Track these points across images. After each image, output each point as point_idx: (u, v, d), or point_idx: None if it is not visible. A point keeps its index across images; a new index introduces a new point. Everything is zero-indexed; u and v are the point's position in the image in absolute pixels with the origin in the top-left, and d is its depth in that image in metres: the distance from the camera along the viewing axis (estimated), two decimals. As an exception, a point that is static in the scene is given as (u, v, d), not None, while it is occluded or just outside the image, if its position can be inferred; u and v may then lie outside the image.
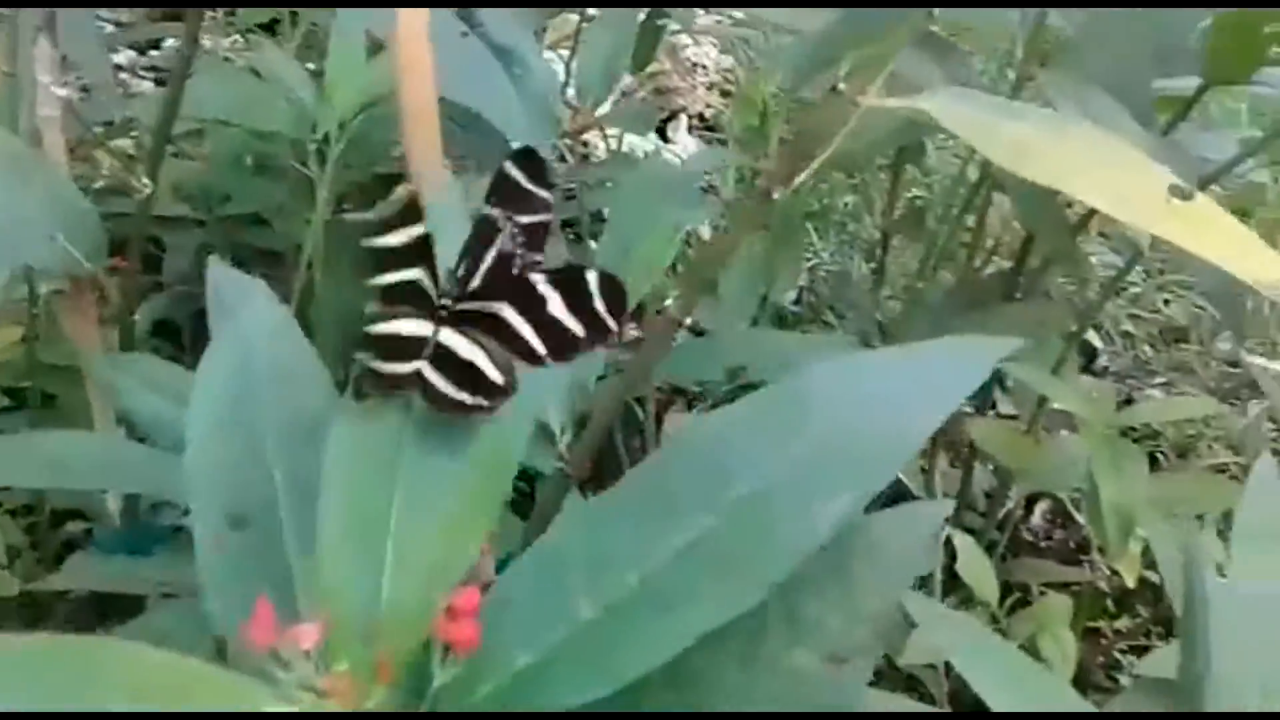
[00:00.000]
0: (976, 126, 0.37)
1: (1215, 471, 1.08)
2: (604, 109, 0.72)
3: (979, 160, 0.77)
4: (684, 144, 1.73)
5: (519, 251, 0.33)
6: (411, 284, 0.32)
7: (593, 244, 0.77)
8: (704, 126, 1.79)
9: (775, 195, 0.39)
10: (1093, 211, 0.80)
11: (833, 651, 0.28)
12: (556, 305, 0.31)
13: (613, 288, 0.31)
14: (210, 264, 0.42)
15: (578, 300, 0.31)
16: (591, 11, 0.82)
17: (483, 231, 0.34)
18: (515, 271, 0.33)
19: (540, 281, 0.32)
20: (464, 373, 0.32)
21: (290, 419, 0.35)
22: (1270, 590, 0.35)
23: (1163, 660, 0.54)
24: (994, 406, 1.03)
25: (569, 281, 0.31)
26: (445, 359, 0.32)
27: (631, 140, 1.18)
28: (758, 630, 0.29)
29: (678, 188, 0.61)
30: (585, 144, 0.99)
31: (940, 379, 0.28)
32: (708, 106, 1.89)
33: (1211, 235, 0.36)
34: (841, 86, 0.37)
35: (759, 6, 0.68)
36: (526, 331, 0.32)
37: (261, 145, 0.92)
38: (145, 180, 0.62)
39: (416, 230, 0.32)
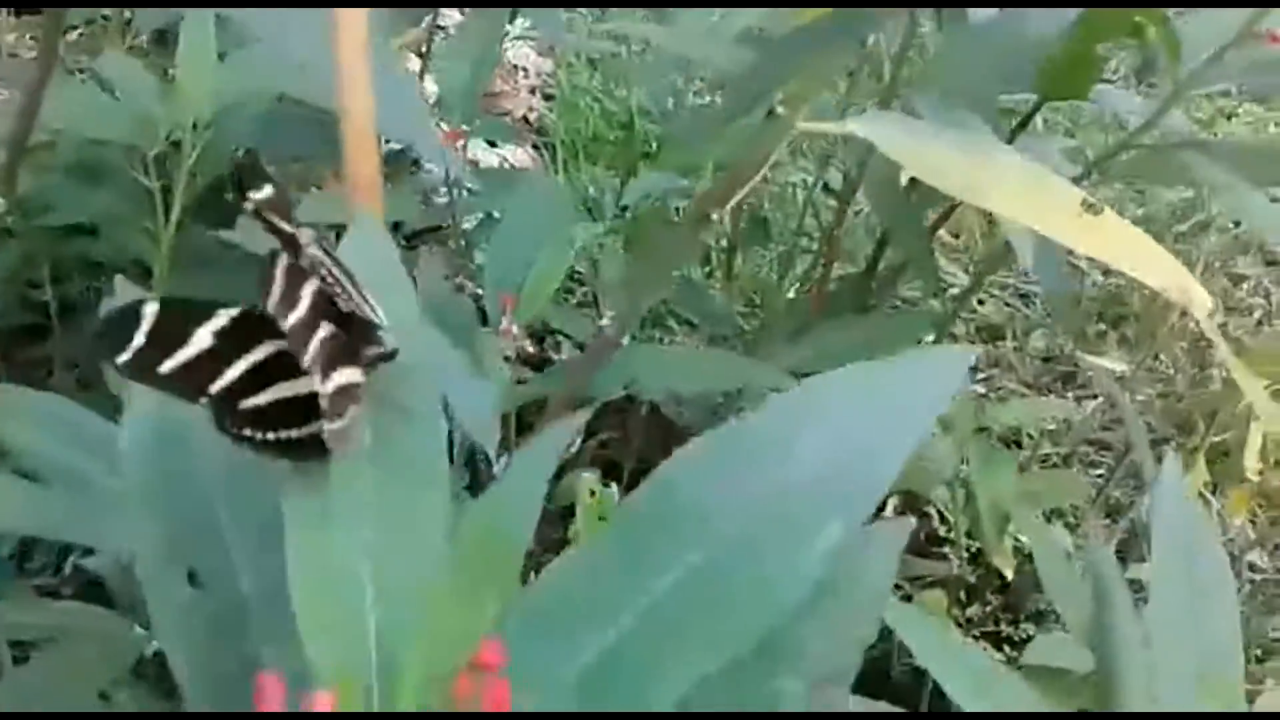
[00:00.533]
0: (904, 148, 0.38)
1: (1039, 462, 1.15)
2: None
3: (839, 170, 0.80)
4: (512, 150, 1.72)
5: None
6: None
7: (478, 257, 0.76)
8: (530, 129, 1.79)
9: (713, 216, 0.39)
10: (943, 218, 0.84)
11: (818, 677, 0.29)
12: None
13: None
14: (115, 286, 0.39)
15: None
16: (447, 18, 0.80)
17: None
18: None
19: None
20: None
21: (228, 460, 0.33)
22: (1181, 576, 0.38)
23: (1043, 650, 0.57)
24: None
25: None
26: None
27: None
28: (740, 659, 0.29)
29: (565, 203, 0.61)
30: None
31: (913, 395, 0.29)
32: (530, 110, 1.89)
33: (1122, 247, 0.39)
34: (779, 110, 0.38)
35: (741, 7, 0.69)
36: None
37: (93, 152, 0.87)
38: (-5, 196, 0.58)
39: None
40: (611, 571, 0.28)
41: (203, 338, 0.30)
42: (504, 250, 0.61)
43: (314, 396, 0.29)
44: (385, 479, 0.30)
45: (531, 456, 0.25)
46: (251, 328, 0.31)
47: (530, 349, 0.62)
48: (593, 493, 0.56)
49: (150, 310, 0.30)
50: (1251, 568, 1.08)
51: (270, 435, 0.30)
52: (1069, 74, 0.69)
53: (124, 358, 0.30)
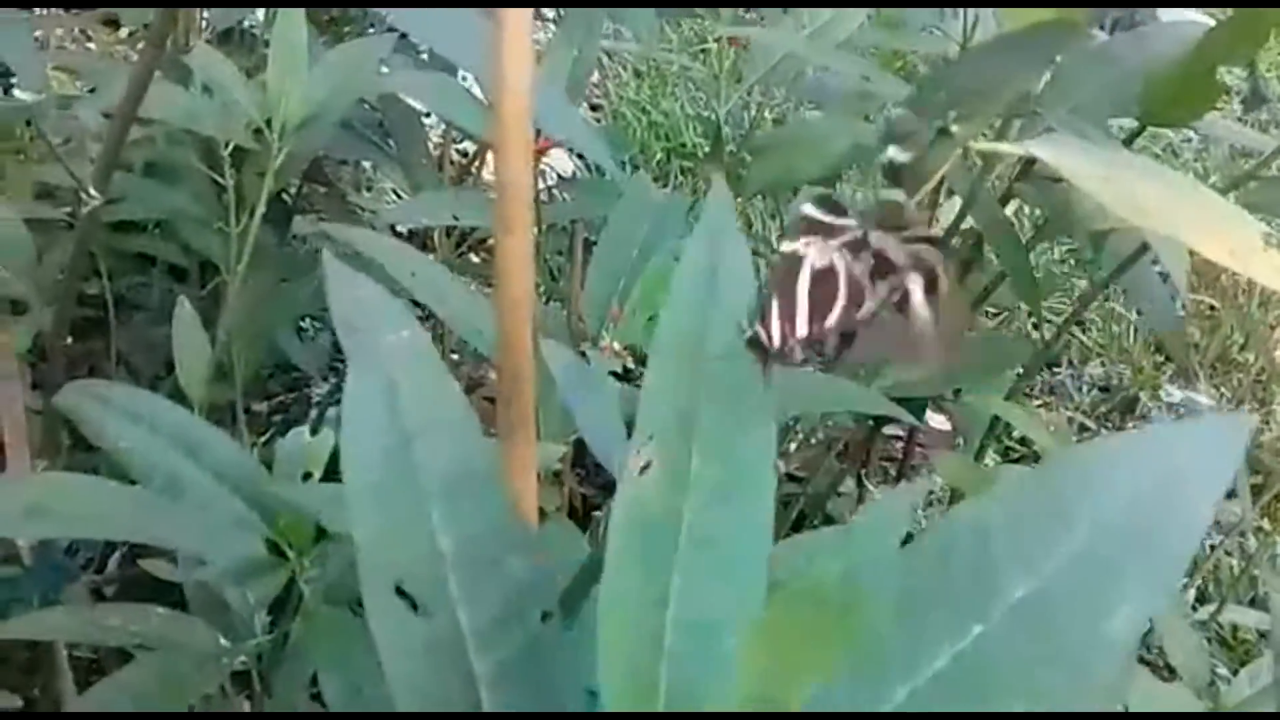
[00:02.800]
0: (1087, 175, 0.36)
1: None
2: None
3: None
4: (559, 163, 1.71)
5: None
6: None
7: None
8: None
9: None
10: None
11: None
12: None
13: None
14: (328, 267, 0.37)
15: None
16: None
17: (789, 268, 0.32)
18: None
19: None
20: None
21: (450, 476, 0.30)
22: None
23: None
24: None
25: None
26: None
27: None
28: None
29: (677, 213, 0.59)
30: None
31: (1204, 461, 0.26)
32: (575, 120, 1.88)
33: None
34: (953, 129, 0.36)
35: (771, 6, 0.67)
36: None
37: (170, 152, 0.85)
38: (93, 193, 0.57)
39: None
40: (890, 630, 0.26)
41: None
42: (607, 261, 0.59)
43: None
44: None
45: (891, 501, 0.23)
46: None
47: (629, 366, 0.60)
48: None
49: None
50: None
51: None
52: (1184, 97, 0.67)
53: None
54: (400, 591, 0.27)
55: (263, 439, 1.07)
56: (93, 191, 0.56)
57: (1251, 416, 0.28)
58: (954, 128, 0.37)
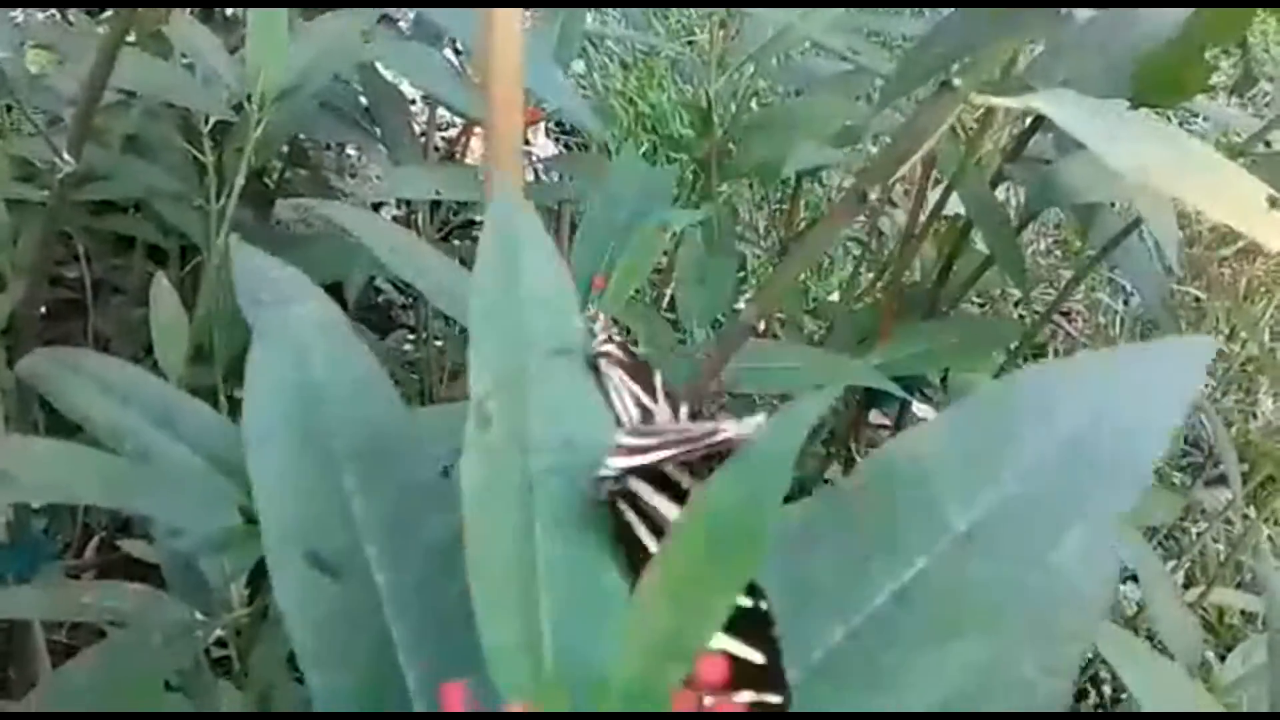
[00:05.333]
0: (1091, 129, 0.36)
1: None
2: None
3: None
4: (541, 145, 1.71)
5: None
6: None
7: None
8: (560, 130, 1.77)
9: (872, 195, 0.37)
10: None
11: (1029, 706, 0.26)
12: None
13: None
14: (235, 248, 0.37)
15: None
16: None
17: None
18: None
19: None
20: None
21: (363, 441, 0.30)
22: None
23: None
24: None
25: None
26: None
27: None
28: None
29: (664, 186, 0.58)
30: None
31: (1164, 380, 0.25)
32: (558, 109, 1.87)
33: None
34: (955, 82, 0.36)
35: (763, 7, 0.66)
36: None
37: (147, 126, 0.84)
38: (67, 158, 0.55)
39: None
40: (825, 566, 0.25)
41: None
42: (593, 233, 0.58)
43: None
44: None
45: (783, 423, 0.22)
46: None
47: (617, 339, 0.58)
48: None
49: None
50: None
51: None
52: (1174, 78, 0.67)
53: None
54: (314, 561, 0.26)
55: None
56: (66, 157, 0.55)
57: (1213, 339, 0.27)
58: (956, 81, 0.36)
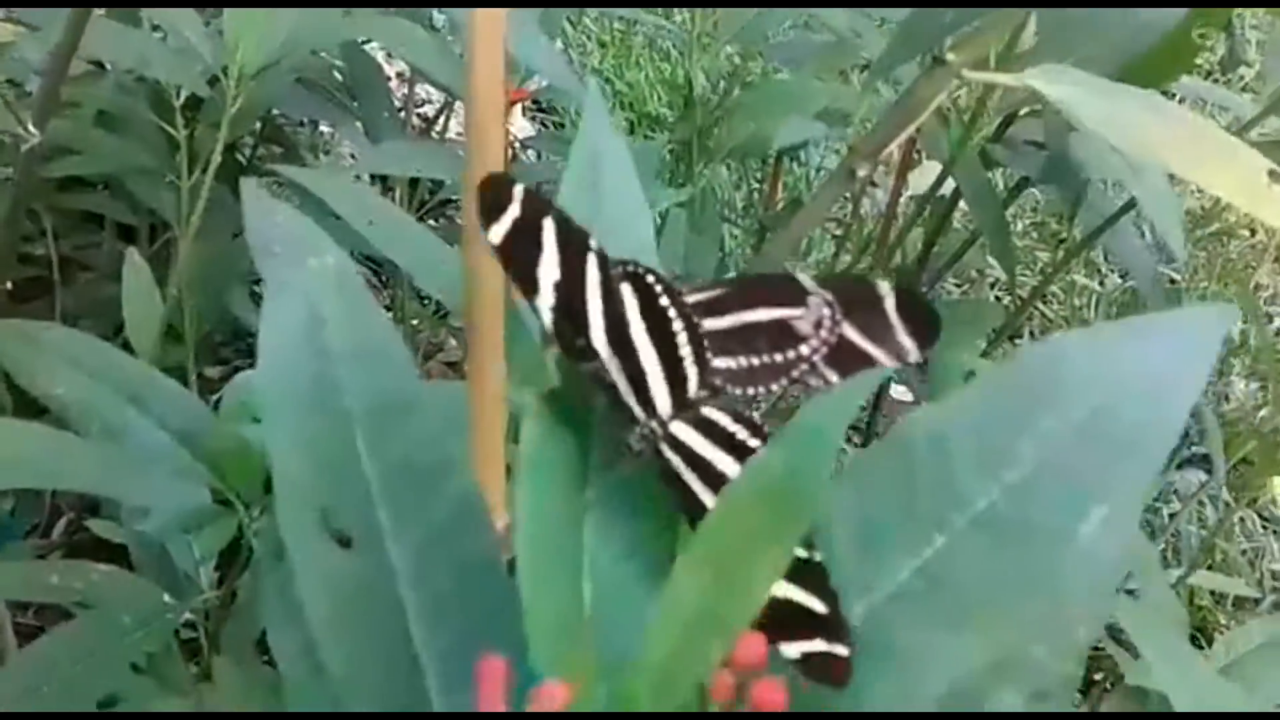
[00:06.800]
0: (1084, 104, 0.35)
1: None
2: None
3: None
4: (519, 126, 1.69)
5: None
6: None
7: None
8: (538, 109, 1.76)
9: (861, 172, 0.36)
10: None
11: (1039, 689, 0.25)
12: None
13: None
14: (247, 196, 0.35)
15: None
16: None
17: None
18: None
19: None
20: None
21: (375, 399, 0.28)
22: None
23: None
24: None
25: None
26: None
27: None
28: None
29: (648, 162, 0.57)
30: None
31: (1185, 350, 0.24)
32: (537, 89, 1.86)
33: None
34: (950, 57, 0.35)
35: (759, 6, 0.65)
36: None
37: (119, 101, 0.82)
38: (31, 129, 0.54)
39: None
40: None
41: None
42: (572, 208, 0.57)
43: None
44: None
45: (832, 399, 0.21)
46: None
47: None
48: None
49: None
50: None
51: None
52: (1164, 60, 0.66)
53: None
54: (326, 523, 0.25)
55: (214, 403, 1.04)
56: (31, 129, 0.53)
57: (1234, 306, 0.26)
58: (949, 55, 0.35)
